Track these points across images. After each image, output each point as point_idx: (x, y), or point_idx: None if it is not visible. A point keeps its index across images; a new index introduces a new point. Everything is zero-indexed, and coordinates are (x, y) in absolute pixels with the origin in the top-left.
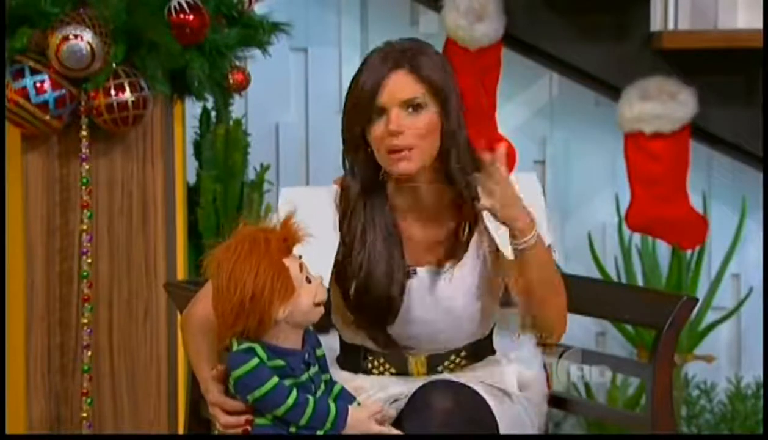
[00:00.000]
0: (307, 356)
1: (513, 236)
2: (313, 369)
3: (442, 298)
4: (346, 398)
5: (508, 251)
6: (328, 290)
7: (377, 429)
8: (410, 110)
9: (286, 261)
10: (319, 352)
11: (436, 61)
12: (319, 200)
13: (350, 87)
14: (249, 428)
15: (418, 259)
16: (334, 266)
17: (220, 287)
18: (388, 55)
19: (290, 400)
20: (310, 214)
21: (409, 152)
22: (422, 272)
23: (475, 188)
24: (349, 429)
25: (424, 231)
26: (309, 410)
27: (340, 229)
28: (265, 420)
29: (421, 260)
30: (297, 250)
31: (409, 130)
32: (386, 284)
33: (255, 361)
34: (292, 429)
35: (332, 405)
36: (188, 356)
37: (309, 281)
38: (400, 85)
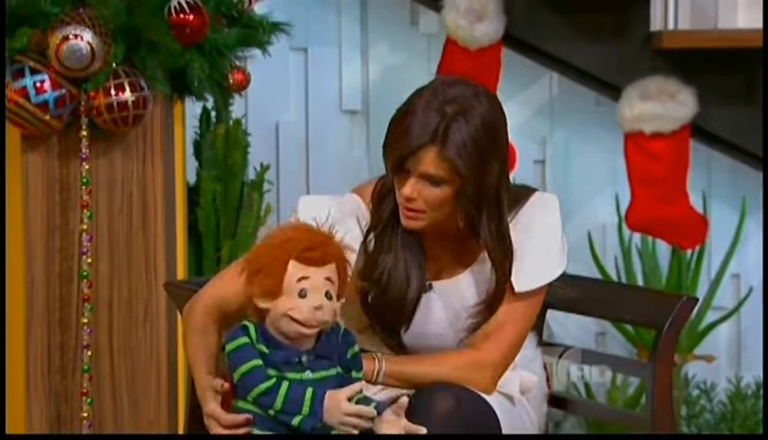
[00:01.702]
0: (306, 357)
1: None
2: (313, 374)
3: (455, 309)
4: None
5: (519, 285)
6: None
7: (354, 409)
8: (430, 182)
9: (293, 265)
10: (351, 352)
11: (471, 130)
12: (342, 206)
13: (393, 121)
14: None
15: (435, 274)
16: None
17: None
18: (428, 115)
19: (263, 385)
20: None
21: (420, 214)
22: (437, 285)
23: (497, 239)
24: (326, 410)
25: (444, 250)
26: (282, 392)
27: (367, 234)
28: (249, 405)
29: (438, 275)
30: None
31: (422, 198)
32: (405, 293)
33: (244, 339)
34: (271, 412)
35: (309, 389)
36: (186, 353)
37: (302, 297)
38: (425, 160)
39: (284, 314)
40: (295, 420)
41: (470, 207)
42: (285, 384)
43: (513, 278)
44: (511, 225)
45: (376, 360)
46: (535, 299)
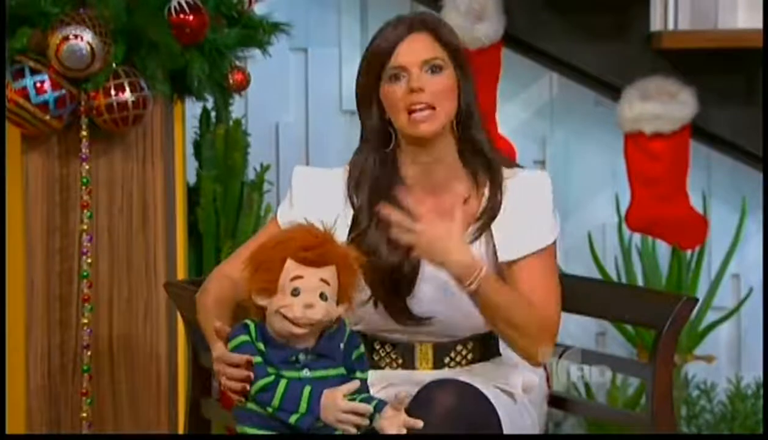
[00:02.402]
0: (304, 356)
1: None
2: (311, 372)
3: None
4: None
5: (501, 254)
6: None
7: (349, 406)
8: (430, 70)
9: (289, 263)
10: (356, 354)
11: (452, 30)
12: (330, 182)
13: (366, 51)
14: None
15: None
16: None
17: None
18: (407, 21)
19: (261, 382)
20: (321, 194)
21: (431, 111)
22: None
23: (484, 162)
24: (324, 408)
25: (435, 207)
26: (280, 390)
27: (351, 201)
28: (251, 404)
29: None
30: None
31: (430, 89)
32: (402, 256)
33: (244, 337)
34: (269, 410)
35: (307, 387)
36: (204, 333)
37: (294, 295)
38: (421, 45)
39: (276, 311)
40: (292, 418)
41: (471, 95)
42: (283, 382)
43: (498, 247)
44: (504, 195)
45: (478, 268)
46: (550, 255)
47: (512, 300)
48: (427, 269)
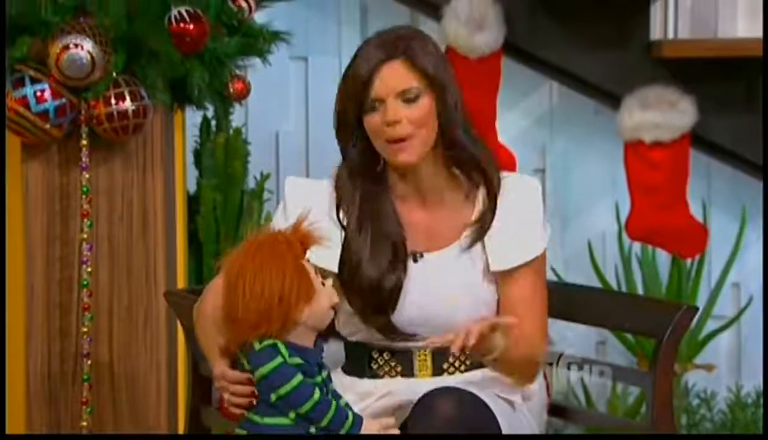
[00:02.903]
0: (319, 358)
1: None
2: (324, 373)
3: (442, 283)
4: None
5: (493, 263)
6: None
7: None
8: (406, 100)
9: (305, 264)
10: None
11: (429, 48)
12: (322, 192)
13: (344, 75)
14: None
15: (420, 244)
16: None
17: (244, 290)
18: (383, 44)
19: (316, 396)
20: (313, 205)
21: (408, 141)
22: (427, 256)
23: (477, 170)
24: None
25: (427, 216)
26: (332, 411)
27: (337, 218)
28: (287, 421)
29: (424, 245)
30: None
31: (406, 119)
32: (387, 270)
33: (279, 360)
34: (312, 430)
35: (350, 413)
36: (203, 351)
37: (323, 284)
38: (395, 75)
39: (330, 306)
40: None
41: (449, 114)
42: (334, 403)
43: (489, 257)
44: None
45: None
46: (539, 272)
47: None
48: (410, 286)
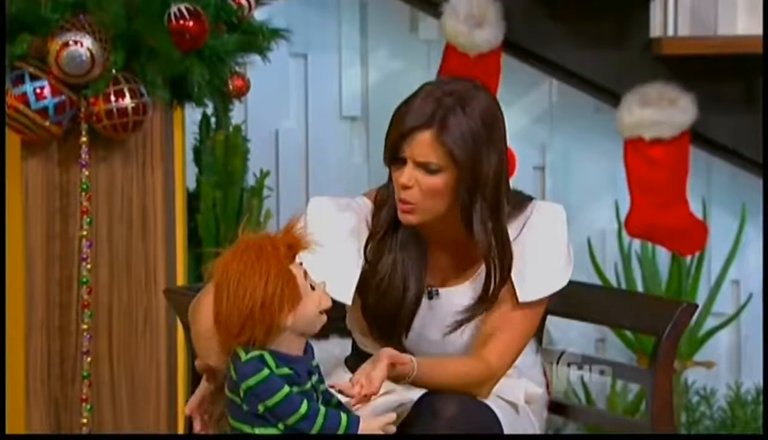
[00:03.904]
0: (309, 364)
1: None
2: (315, 378)
3: (457, 317)
4: (344, 411)
5: (522, 295)
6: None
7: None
8: (426, 170)
9: (292, 268)
10: (314, 362)
11: (469, 120)
12: (347, 213)
13: (396, 112)
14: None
15: (440, 281)
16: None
17: (227, 294)
18: (427, 103)
19: (303, 409)
20: (338, 224)
21: (415, 206)
22: (444, 291)
23: (493, 239)
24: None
25: (449, 257)
26: (320, 419)
27: (369, 241)
28: (277, 431)
29: (445, 282)
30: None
31: (418, 187)
32: (402, 298)
33: (266, 372)
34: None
35: (343, 416)
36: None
37: (313, 289)
38: (420, 146)
39: (320, 312)
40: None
41: (466, 198)
42: (323, 411)
43: (517, 288)
44: (521, 234)
45: (413, 363)
46: (537, 310)
47: (448, 377)
48: (422, 314)
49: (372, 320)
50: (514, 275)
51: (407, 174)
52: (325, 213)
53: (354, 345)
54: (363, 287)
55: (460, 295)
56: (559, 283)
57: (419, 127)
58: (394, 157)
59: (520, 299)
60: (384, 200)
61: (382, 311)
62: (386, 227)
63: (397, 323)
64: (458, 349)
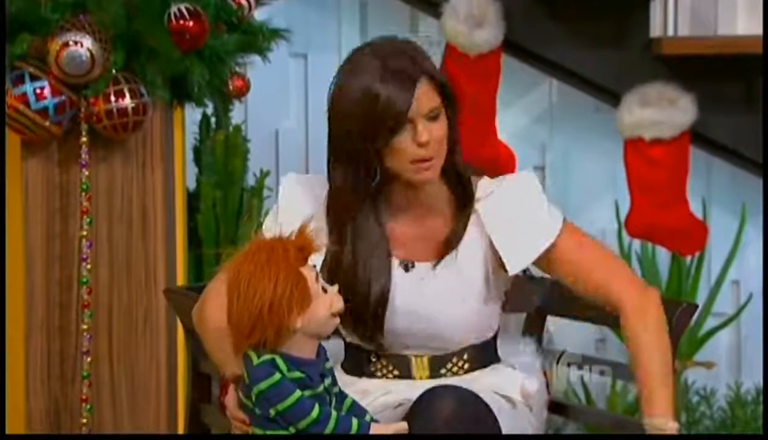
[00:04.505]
0: (322, 367)
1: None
2: (327, 381)
3: (434, 293)
4: (358, 412)
5: (511, 266)
6: None
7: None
8: (430, 118)
9: (303, 271)
10: (327, 365)
11: (429, 58)
12: (321, 190)
13: (357, 98)
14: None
15: (412, 255)
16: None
17: (238, 296)
18: (403, 69)
19: (314, 413)
20: (312, 202)
21: (432, 161)
22: (419, 265)
23: (470, 186)
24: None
25: (420, 228)
26: (332, 424)
27: (330, 232)
28: (286, 433)
29: (416, 255)
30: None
31: (433, 139)
32: (373, 281)
33: (278, 376)
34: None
35: (354, 421)
36: (212, 357)
37: (325, 291)
38: (425, 96)
39: (331, 314)
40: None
41: (453, 135)
42: (334, 415)
43: (507, 264)
44: (489, 201)
45: None
46: (578, 232)
47: (654, 350)
48: (395, 304)
49: (348, 315)
50: (501, 250)
51: (422, 130)
52: (298, 190)
53: (346, 347)
54: (332, 273)
55: (438, 268)
56: (546, 238)
57: (416, 81)
58: (401, 123)
59: (510, 272)
60: (338, 191)
61: (357, 293)
62: (344, 208)
63: (374, 302)
64: (441, 323)
